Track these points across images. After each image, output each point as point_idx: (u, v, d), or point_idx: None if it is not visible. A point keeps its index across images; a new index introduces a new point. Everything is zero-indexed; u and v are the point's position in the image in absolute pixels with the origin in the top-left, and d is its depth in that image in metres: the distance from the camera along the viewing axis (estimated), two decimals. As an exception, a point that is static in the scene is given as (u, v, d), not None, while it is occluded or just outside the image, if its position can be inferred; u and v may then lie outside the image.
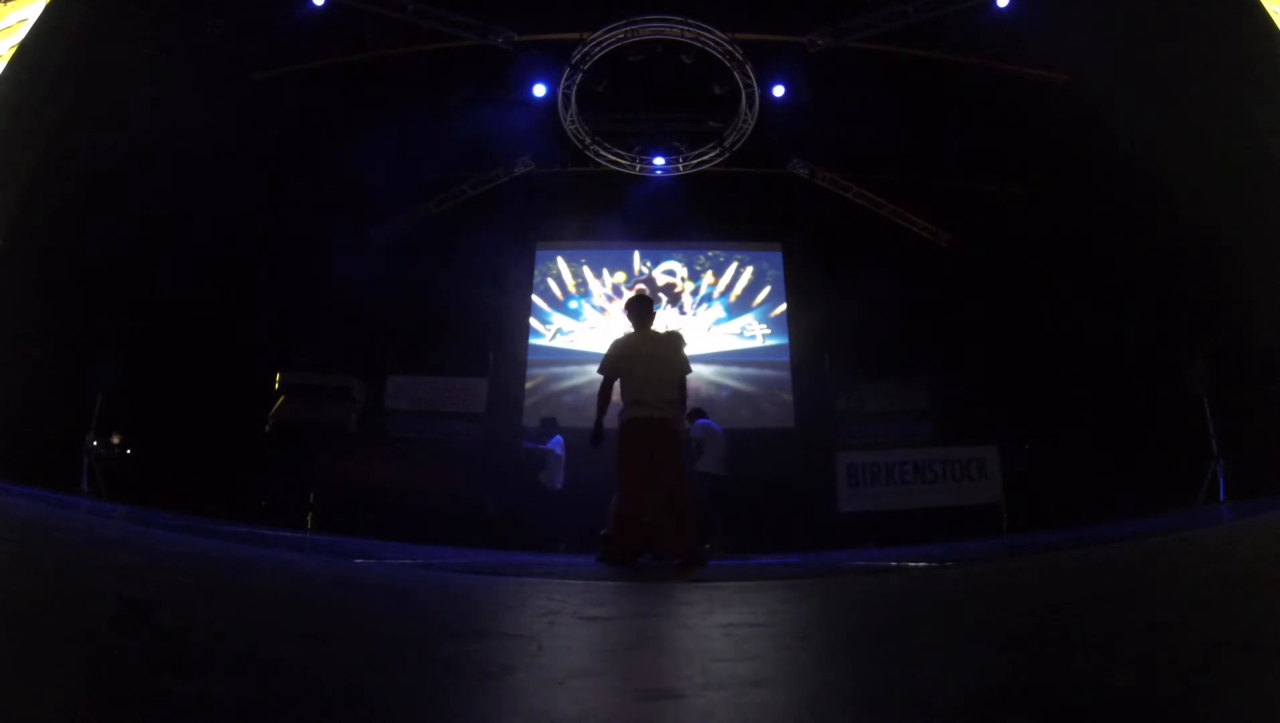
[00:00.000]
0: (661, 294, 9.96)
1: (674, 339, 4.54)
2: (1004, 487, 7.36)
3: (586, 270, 10.22)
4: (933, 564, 3.49)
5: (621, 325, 9.75)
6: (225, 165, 7.36)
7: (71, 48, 6.05)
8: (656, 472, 3.97)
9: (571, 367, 9.65)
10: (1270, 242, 5.71)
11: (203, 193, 7.30)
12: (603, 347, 9.23)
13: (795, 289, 9.85)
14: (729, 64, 8.16)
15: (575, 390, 9.50)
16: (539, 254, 10.22)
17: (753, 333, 9.83)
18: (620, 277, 10.21)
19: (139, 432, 7.58)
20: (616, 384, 4.30)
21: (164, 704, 0.77)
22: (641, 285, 10.03)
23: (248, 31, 7.13)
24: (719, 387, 9.30)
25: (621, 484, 4.07)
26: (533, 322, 9.88)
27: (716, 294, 10.11)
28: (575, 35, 8.03)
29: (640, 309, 4.48)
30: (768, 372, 9.59)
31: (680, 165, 9.43)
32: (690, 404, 4.96)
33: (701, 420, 6.39)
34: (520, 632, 1.47)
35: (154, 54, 6.52)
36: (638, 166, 9.43)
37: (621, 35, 7.96)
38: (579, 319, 10.02)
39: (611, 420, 4.24)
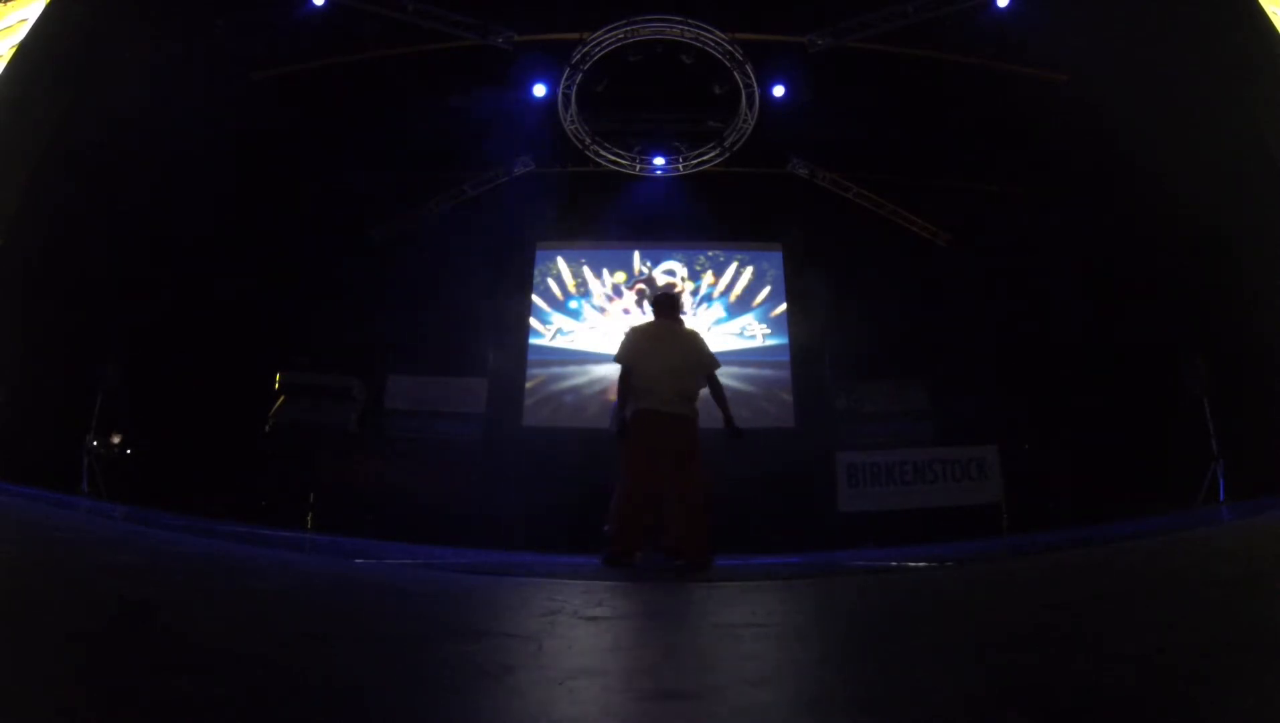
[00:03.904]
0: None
1: (694, 335, 4.31)
2: (1004, 487, 7.37)
3: (586, 270, 10.22)
4: (933, 564, 3.48)
5: (620, 324, 9.82)
6: (225, 165, 7.36)
7: (71, 48, 6.05)
8: (664, 468, 3.79)
9: (571, 367, 9.64)
10: (1270, 242, 5.71)
11: (202, 193, 7.31)
12: (603, 347, 9.17)
13: (795, 289, 9.84)
14: (729, 64, 8.16)
15: (575, 390, 9.50)
16: (539, 254, 10.21)
17: (753, 333, 9.83)
18: (620, 277, 10.21)
19: (139, 432, 7.58)
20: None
21: (164, 704, 0.77)
22: (642, 285, 10.03)
23: (248, 31, 7.13)
24: (719, 387, 9.29)
25: (623, 479, 3.88)
26: (533, 322, 9.88)
27: (716, 294, 10.11)
28: (575, 35, 8.03)
29: (659, 302, 4.36)
30: (768, 372, 9.59)
31: (680, 165, 9.43)
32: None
33: None
34: (520, 632, 1.47)
35: (154, 54, 6.52)
36: (638, 166, 9.42)
37: (621, 35, 7.96)
38: (579, 319, 10.01)
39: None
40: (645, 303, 9.56)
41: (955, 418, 8.27)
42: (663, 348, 4.04)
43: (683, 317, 4.59)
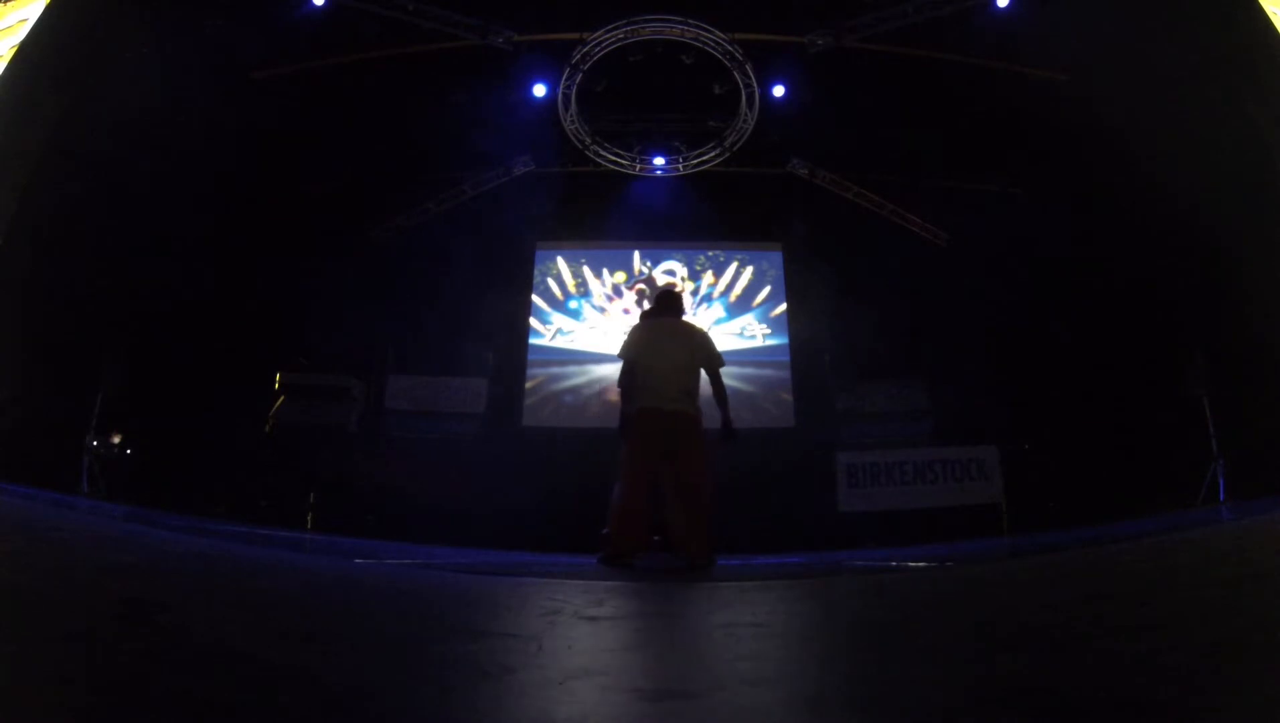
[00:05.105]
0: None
1: (698, 331, 4.29)
2: (1004, 487, 7.36)
3: (586, 270, 10.22)
4: (933, 564, 3.49)
5: (620, 324, 9.82)
6: (225, 165, 7.36)
7: (71, 48, 6.05)
8: (670, 467, 3.77)
9: (571, 367, 9.64)
10: (1270, 241, 5.71)
11: (202, 192, 7.31)
12: (603, 346, 9.19)
13: (795, 289, 9.85)
14: (729, 64, 8.16)
15: (575, 391, 9.50)
16: (539, 254, 10.21)
17: (753, 333, 9.83)
18: (620, 277, 10.21)
19: (139, 432, 7.58)
20: None
21: (165, 704, 0.77)
22: (642, 285, 10.04)
23: (248, 31, 7.12)
24: (719, 387, 9.30)
25: (622, 477, 3.83)
26: (533, 322, 9.88)
27: (716, 294, 10.11)
28: (575, 35, 8.03)
29: (660, 299, 4.37)
30: (768, 372, 9.59)
31: (680, 165, 9.43)
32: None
33: None
34: (520, 632, 1.47)
35: (154, 54, 6.51)
36: (638, 166, 9.43)
37: (622, 35, 7.96)
38: (579, 319, 10.02)
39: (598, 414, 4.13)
40: (645, 302, 9.57)
41: (955, 418, 8.27)
42: (665, 345, 4.02)
43: (684, 313, 4.58)
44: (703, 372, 4.11)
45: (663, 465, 3.82)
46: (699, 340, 4.15)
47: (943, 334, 8.73)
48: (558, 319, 9.98)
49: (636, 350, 4.04)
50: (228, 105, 7.24)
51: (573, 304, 10.10)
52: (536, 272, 10.14)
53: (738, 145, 9.04)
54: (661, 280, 10.13)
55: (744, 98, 8.52)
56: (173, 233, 7.21)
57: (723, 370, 4.16)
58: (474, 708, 0.85)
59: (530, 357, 9.70)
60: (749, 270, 10.15)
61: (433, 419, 8.83)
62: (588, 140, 9.09)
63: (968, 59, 7.78)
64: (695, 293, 10.12)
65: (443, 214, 9.88)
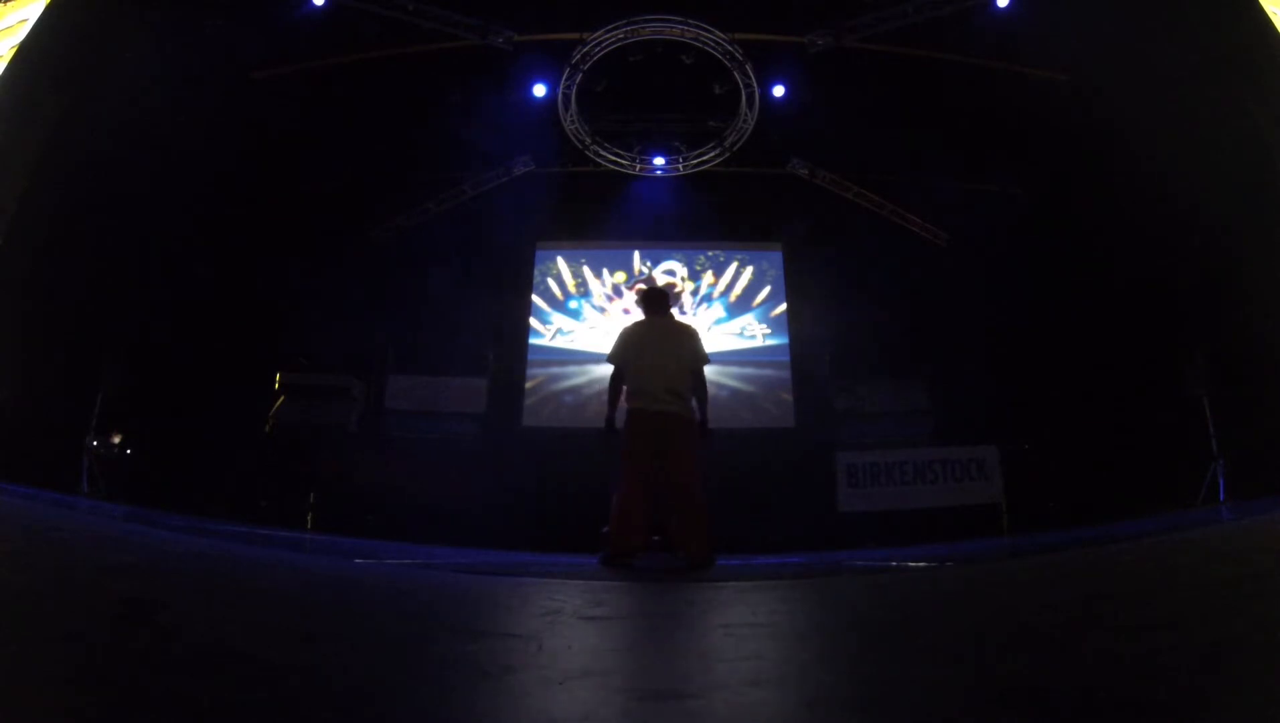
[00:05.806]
0: (661, 294, 9.97)
1: (687, 330, 4.31)
2: (1004, 487, 7.37)
3: (586, 270, 10.22)
4: (933, 564, 3.49)
5: (620, 324, 9.81)
6: (225, 165, 7.36)
7: (71, 48, 6.05)
8: (662, 467, 3.79)
9: (571, 367, 9.64)
10: (1270, 241, 5.70)
11: (202, 192, 7.30)
12: (603, 346, 9.19)
13: (795, 289, 9.85)
14: (729, 64, 8.16)
15: (575, 390, 9.50)
16: (539, 254, 10.21)
17: (753, 333, 9.83)
18: (620, 277, 10.21)
19: (139, 432, 7.58)
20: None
21: (165, 704, 0.77)
22: (642, 284, 10.05)
23: (248, 31, 7.12)
24: (719, 386, 9.29)
25: (622, 480, 3.86)
26: (533, 322, 9.88)
27: (716, 294, 10.11)
28: (575, 35, 8.03)
29: (648, 298, 4.35)
30: (768, 372, 9.59)
31: (680, 165, 9.43)
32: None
33: None
34: (520, 632, 1.47)
35: (154, 54, 6.51)
36: (638, 166, 9.43)
37: (622, 35, 7.96)
38: (579, 319, 10.02)
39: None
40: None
41: (955, 418, 8.27)
42: (655, 346, 4.02)
43: (674, 311, 4.56)
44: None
45: (658, 466, 3.82)
46: (688, 339, 4.15)
47: (943, 334, 8.73)
48: (558, 319, 9.98)
49: (626, 353, 4.06)
50: (228, 105, 7.24)
51: (573, 304, 10.10)
52: (536, 272, 10.14)
53: (738, 145, 9.04)
54: (662, 280, 10.13)
55: (744, 98, 8.53)
56: (173, 233, 7.21)
57: (723, 371, 4.18)
58: (474, 708, 0.85)
59: (530, 357, 9.70)
60: (749, 270, 10.15)
61: (433, 419, 8.83)
62: (588, 140, 9.09)
63: (968, 59, 7.78)
64: (695, 293, 10.12)
65: (443, 214, 9.88)
